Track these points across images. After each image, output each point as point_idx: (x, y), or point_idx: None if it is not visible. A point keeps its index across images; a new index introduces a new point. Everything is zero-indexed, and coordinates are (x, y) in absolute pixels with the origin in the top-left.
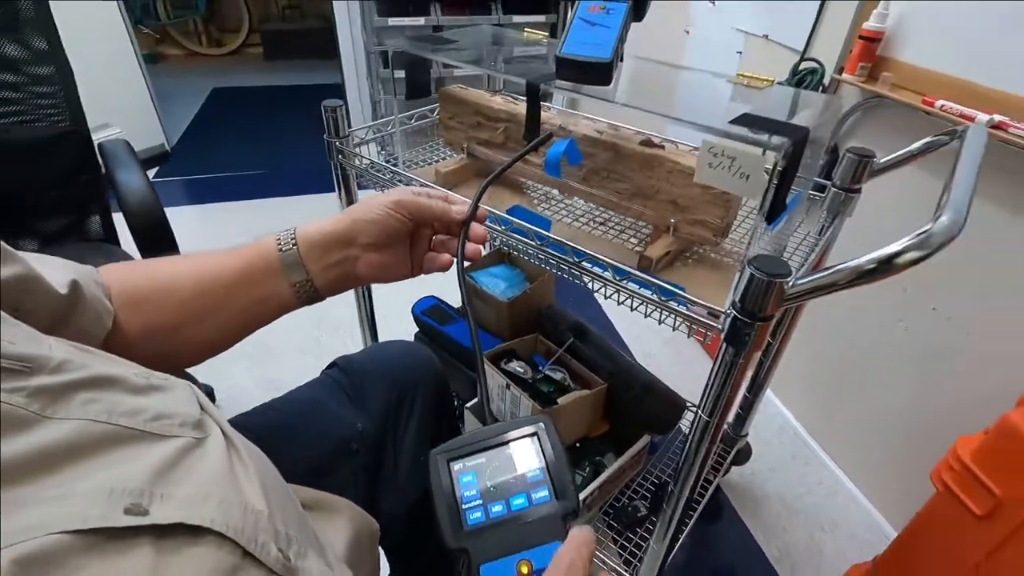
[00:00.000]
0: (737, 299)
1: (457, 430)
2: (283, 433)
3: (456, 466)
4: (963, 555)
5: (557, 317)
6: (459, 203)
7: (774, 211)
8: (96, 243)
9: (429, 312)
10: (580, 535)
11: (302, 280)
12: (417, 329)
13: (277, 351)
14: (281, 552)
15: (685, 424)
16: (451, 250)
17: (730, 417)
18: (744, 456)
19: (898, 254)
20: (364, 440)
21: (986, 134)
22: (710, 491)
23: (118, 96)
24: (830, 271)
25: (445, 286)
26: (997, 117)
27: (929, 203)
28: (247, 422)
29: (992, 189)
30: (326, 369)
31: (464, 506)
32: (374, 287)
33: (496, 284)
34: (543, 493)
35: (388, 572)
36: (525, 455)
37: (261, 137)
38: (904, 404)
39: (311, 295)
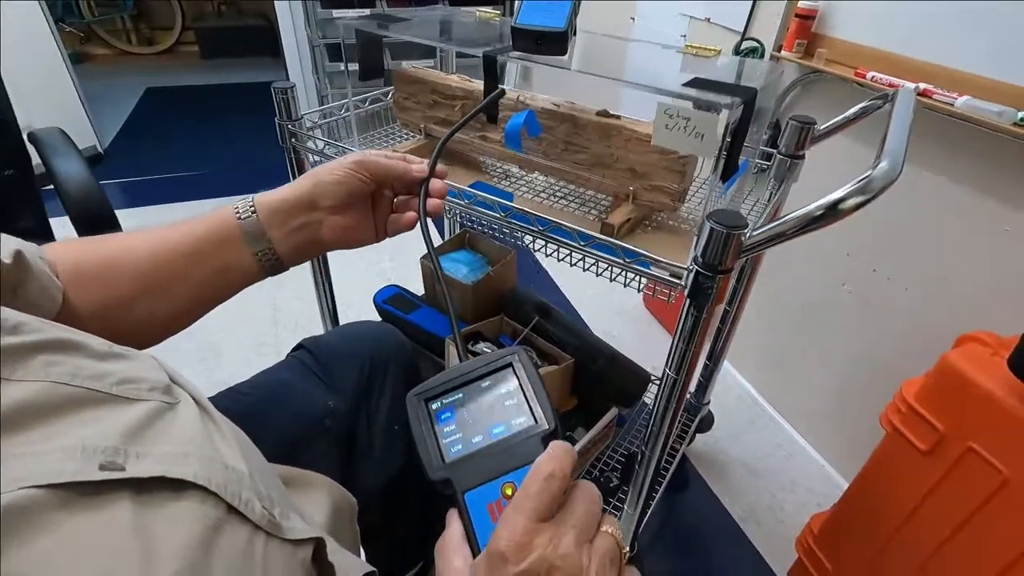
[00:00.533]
0: (699, 254)
1: None
2: (253, 415)
3: (434, 405)
4: (911, 490)
5: (521, 298)
6: (418, 163)
7: (728, 170)
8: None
9: (392, 301)
10: (558, 446)
11: (264, 248)
12: (380, 319)
13: (232, 354)
14: (266, 510)
15: (650, 399)
16: (413, 208)
17: (693, 385)
18: (707, 424)
19: (843, 199)
20: (337, 417)
21: (914, 96)
22: (676, 460)
23: (44, 96)
24: (782, 220)
25: (406, 276)
26: (923, 85)
27: (866, 167)
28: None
29: (920, 156)
30: (292, 352)
31: (444, 441)
32: (333, 277)
33: (458, 269)
34: (522, 419)
35: (363, 558)
36: (501, 385)
37: (202, 137)
38: (850, 362)
39: (274, 264)
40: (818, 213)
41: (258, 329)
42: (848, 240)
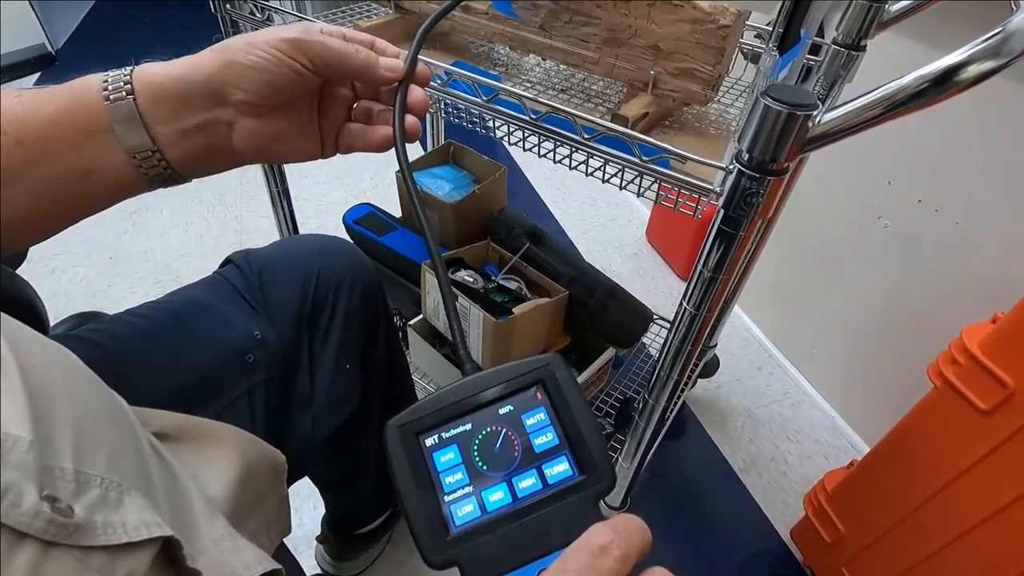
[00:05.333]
0: (744, 148)
1: (398, 343)
2: (148, 344)
3: (428, 440)
4: (958, 454)
5: (511, 221)
6: (391, 53)
7: (789, 36)
8: None
9: (363, 221)
10: (625, 517)
11: (145, 150)
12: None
13: (191, 278)
14: (50, 501)
15: (648, 340)
16: (384, 121)
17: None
18: (712, 368)
19: (963, 65)
20: (266, 351)
21: None
22: (676, 406)
23: None
24: (865, 99)
25: (384, 194)
26: None
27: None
28: (97, 334)
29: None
30: (219, 267)
31: (447, 498)
32: (293, 191)
33: (440, 186)
34: (562, 467)
35: (324, 511)
36: (530, 414)
37: (173, 39)
38: (879, 306)
39: (163, 174)
40: (920, 86)
41: (221, 252)
42: (891, 164)
